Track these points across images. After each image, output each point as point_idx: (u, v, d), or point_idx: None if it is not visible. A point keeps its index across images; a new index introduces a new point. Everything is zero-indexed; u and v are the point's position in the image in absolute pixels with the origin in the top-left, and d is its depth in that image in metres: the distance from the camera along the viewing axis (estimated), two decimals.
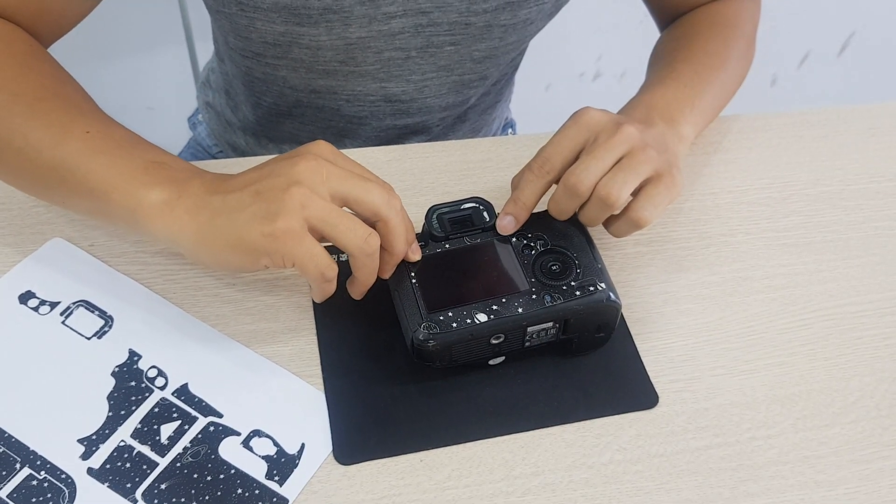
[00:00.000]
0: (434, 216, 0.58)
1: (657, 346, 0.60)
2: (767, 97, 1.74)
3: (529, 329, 0.55)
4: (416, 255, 0.56)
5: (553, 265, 0.57)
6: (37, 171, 0.56)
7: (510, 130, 1.02)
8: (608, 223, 0.59)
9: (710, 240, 0.67)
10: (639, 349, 0.60)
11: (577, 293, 0.55)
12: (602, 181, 0.55)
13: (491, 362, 0.58)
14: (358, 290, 0.55)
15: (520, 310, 0.54)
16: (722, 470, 0.55)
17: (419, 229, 0.58)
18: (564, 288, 0.55)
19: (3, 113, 0.56)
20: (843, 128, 0.76)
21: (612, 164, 0.56)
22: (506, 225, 0.58)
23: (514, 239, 0.58)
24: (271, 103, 0.80)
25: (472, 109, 0.85)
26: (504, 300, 0.54)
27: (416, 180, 0.69)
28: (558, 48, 1.52)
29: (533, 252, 0.57)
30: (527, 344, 0.57)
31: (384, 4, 0.65)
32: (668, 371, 0.59)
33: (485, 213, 0.59)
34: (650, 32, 0.82)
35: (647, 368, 0.59)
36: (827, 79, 1.75)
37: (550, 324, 0.55)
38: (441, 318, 0.54)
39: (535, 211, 0.59)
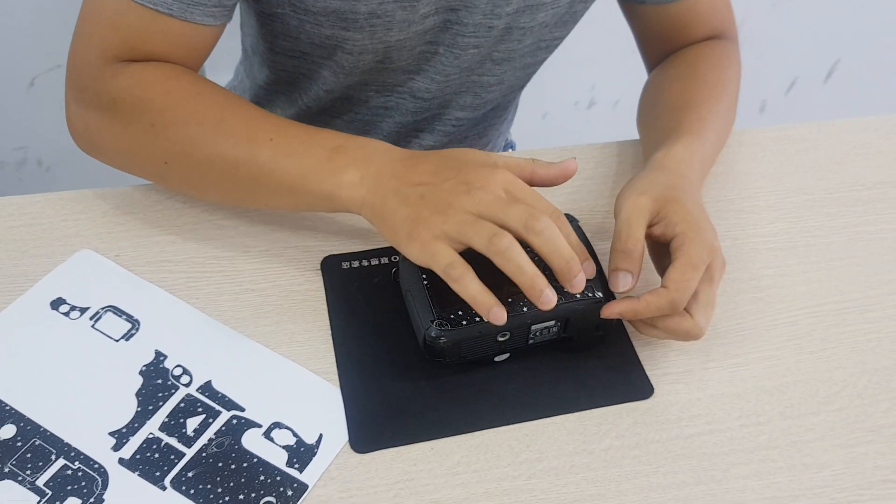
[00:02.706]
0: None
1: (651, 343, 0.64)
2: (757, 123, 1.79)
3: (533, 327, 0.59)
4: (581, 275, 0.56)
5: None
6: (240, 184, 0.63)
7: (510, 151, 1.07)
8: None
9: None
10: (634, 345, 0.63)
11: (577, 296, 0.59)
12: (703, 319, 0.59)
13: (497, 359, 0.61)
14: (530, 292, 0.55)
15: (525, 309, 0.58)
16: (714, 454, 0.58)
17: None
18: (566, 289, 0.59)
19: (196, 142, 0.63)
20: (825, 142, 0.81)
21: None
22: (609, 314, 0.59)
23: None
24: (303, 104, 0.85)
25: (486, 116, 0.89)
26: (510, 300, 0.58)
27: None
28: (554, 78, 1.58)
29: (536, 257, 0.61)
30: (530, 341, 0.60)
31: (421, 6, 0.70)
32: (662, 365, 0.63)
33: None
34: (641, 63, 0.87)
35: (643, 363, 0.63)
36: (814, 104, 1.80)
37: (553, 322, 0.59)
38: (451, 316, 0.58)
39: None
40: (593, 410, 0.60)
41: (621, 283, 0.58)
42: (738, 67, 0.79)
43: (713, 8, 0.79)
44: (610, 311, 0.58)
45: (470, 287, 0.54)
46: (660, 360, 0.63)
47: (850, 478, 0.58)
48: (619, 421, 0.60)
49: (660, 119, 0.73)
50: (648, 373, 0.62)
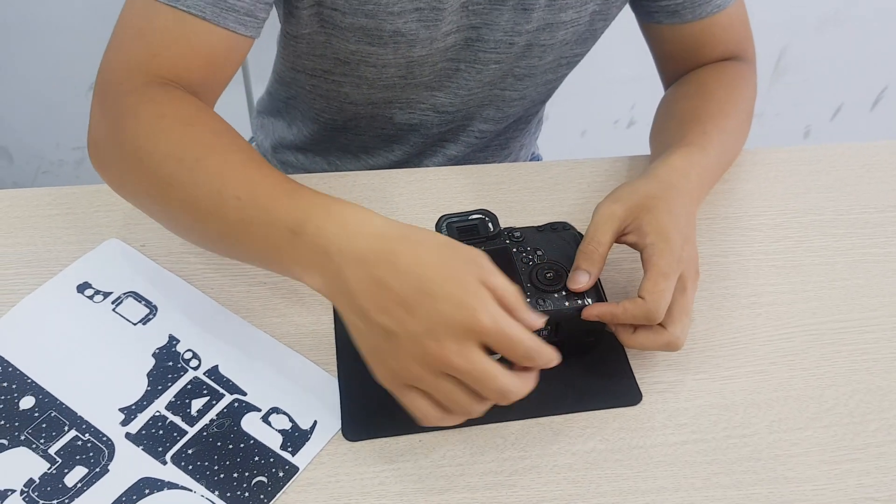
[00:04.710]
0: (444, 224, 0.64)
1: (644, 352, 0.65)
2: (803, 146, 1.78)
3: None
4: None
5: (548, 273, 0.63)
6: (213, 237, 0.59)
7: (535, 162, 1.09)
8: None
9: (702, 259, 0.71)
10: (627, 354, 0.65)
11: (566, 303, 0.61)
12: (680, 332, 0.60)
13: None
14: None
15: None
16: (696, 463, 0.59)
17: None
18: (556, 295, 0.61)
19: (172, 182, 0.58)
20: (839, 164, 0.81)
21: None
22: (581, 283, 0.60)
23: (514, 249, 0.64)
24: (328, 119, 0.88)
25: (508, 128, 0.91)
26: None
27: (434, 199, 0.76)
28: (595, 96, 1.59)
29: (531, 262, 0.63)
30: None
31: (444, 25, 0.73)
32: (653, 373, 0.64)
33: (489, 224, 0.65)
34: None
35: (635, 371, 0.64)
36: (860, 131, 1.78)
37: (543, 325, 0.61)
38: None
39: (538, 225, 0.65)
40: (580, 414, 0.62)
41: (579, 280, 0.60)
42: (751, 88, 0.80)
43: (729, 29, 0.80)
44: (590, 312, 0.60)
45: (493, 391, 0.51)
46: (651, 369, 0.64)
47: (832, 494, 0.58)
48: (604, 425, 0.61)
49: (666, 133, 0.75)
50: (639, 381, 0.63)
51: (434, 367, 0.50)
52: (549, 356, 0.53)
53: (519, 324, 0.51)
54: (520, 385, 0.52)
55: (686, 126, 0.73)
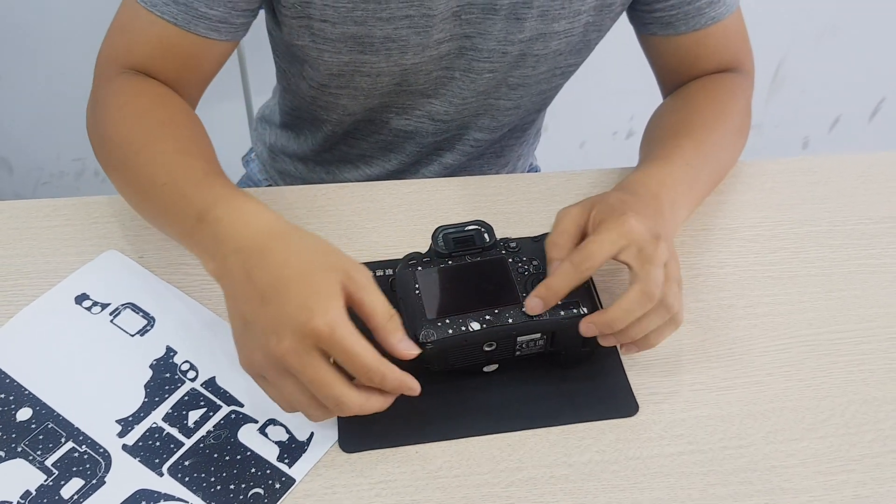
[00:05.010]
0: (440, 235, 0.65)
1: (641, 362, 0.65)
2: (799, 157, 1.78)
3: (519, 339, 0.61)
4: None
5: None
6: (151, 215, 0.67)
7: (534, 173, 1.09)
8: (649, 338, 0.61)
9: (699, 270, 0.72)
10: (624, 363, 0.65)
11: (562, 312, 0.61)
12: (668, 293, 0.59)
13: (486, 369, 0.64)
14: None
15: (510, 320, 0.60)
16: (693, 474, 0.59)
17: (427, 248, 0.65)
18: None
19: (126, 163, 0.66)
20: (835, 175, 0.81)
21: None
22: (534, 306, 0.59)
23: (510, 259, 0.64)
24: (329, 130, 0.89)
25: (504, 137, 0.92)
26: (497, 311, 0.60)
27: (431, 209, 0.76)
28: (593, 108, 1.60)
29: (526, 273, 0.64)
30: (518, 353, 0.63)
31: (435, 32, 0.74)
32: (649, 384, 0.64)
33: (485, 235, 0.65)
34: None
35: (630, 381, 0.64)
36: (858, 142, 1.79)
37: (538, 335, 0.61)
38: (439, 324, 0.60)
39: (534, 236, 0.65)
40: (577, 425, 0.62)
41: (532, 304, 0.60)
42: (743, 99, 0.80)
43: (725, 41, 0.81)
44: (531, 305, 0.59)
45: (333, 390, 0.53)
46: (648, 379, 0.64)
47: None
48: (601, 436, 0.61)
49: (647, 147, 0.75)
50: (636, 391, 0.64)
51: (275, 362, 0.53)
52: (398, 382, 0.54)
53: (362, 340, 0.53)
54: (358, 400, 0.54)
55: (665, 140, 0.73)
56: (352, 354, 0.52)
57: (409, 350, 0.55)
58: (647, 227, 0.60)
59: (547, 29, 0.76)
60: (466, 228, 0.65)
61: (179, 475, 0.58)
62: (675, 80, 0.84)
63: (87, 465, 0.59)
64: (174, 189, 0.62)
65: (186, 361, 0.65)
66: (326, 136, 0.90)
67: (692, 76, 0.82)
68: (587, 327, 0.59)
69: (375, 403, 0.55)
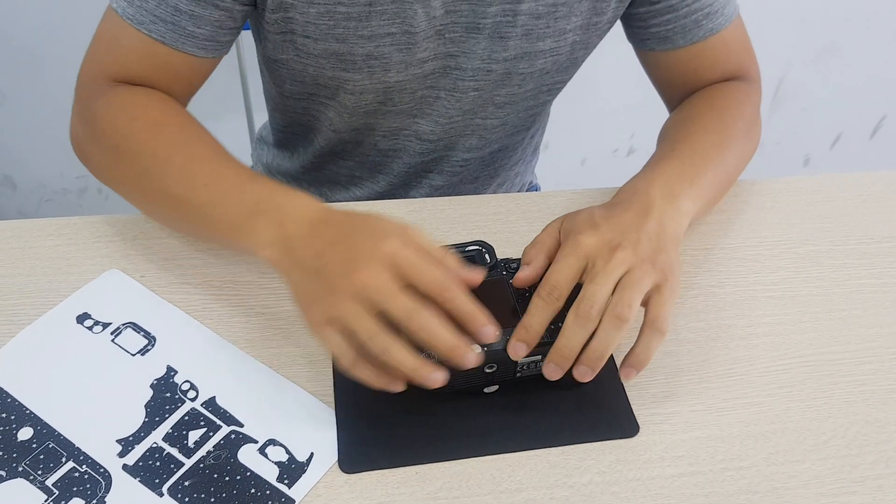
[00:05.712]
0: None
1: (640, 382, 0.65)
2: (800, 176, 1.79)
3: (519, 361, 0.61)
4: (469, 354, 0.56)
5: None
6: (183, 221, 0.69)
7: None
8: (633, 348, 0.61)
9: (699, 290, 0.72)
10: (624, 385, 0.65)
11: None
12: (612, 301, 0.58)
13: (486, 390, 0.64)
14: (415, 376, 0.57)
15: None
16: (694, 496, 0.59)
17: None
18: (552, 327, 0.61)
19: (148, 174, 0.67)
20: (836, 194, 0.81)
21: (614, 286, 0.59)
22: (518, 351, 0.59)
23: (511, 280, 0.64)
24: (319, 147, 0.89)
25: (493, 156, 0.92)
26: (498, 333, 0.60)
27: (431, 229, 0.76)
28: (594, 125, 1.61)
29: (527, 294, 0.64)
30: (518, 374, 0.63)
31: (419, 51, 0.74)
32: (649, 405, 0.64)
33: (486, 255, 0.65)
34: None
35: (631, 401, 0.64)
36: (859, 160, 1.79)
37: (539, 356, 0.61)
38: None
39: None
40: (577, 446, 0.61)
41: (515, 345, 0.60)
42: (749, 105, 0.79)
43: (725, 52, 0.81)
44: (515, 351, 0.59)
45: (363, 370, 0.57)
46: (648, 400, 0.64)
47: None
48: (601, 457, 0.61)
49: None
50: (636, 412, 0.63)
51: (353, 293, 0.55)
52: (467, 307, 0.56)
53: (432, 257, 0.56)
54: (415, 360, 0.55)
55: (661, 146, 0.74)
56: (424, 267, 0.55)
57: (478, 274, 0.59)
58: (604, 239, 0.60)
59: (532, 48, 0.76)
60: (467, 249, 0.65)
61: (179, 495, 0.58)
62: (678, 93, 0.84)
63: (88, 485, 0.58)
64: (219, 187, 0.64)
65: (187, 381, 0.65)
66: (316, 152, 0.90)
67: (696, 88, 0.82)
68: (549, 369, 0.60)
69: (426, 371, 0.56)
